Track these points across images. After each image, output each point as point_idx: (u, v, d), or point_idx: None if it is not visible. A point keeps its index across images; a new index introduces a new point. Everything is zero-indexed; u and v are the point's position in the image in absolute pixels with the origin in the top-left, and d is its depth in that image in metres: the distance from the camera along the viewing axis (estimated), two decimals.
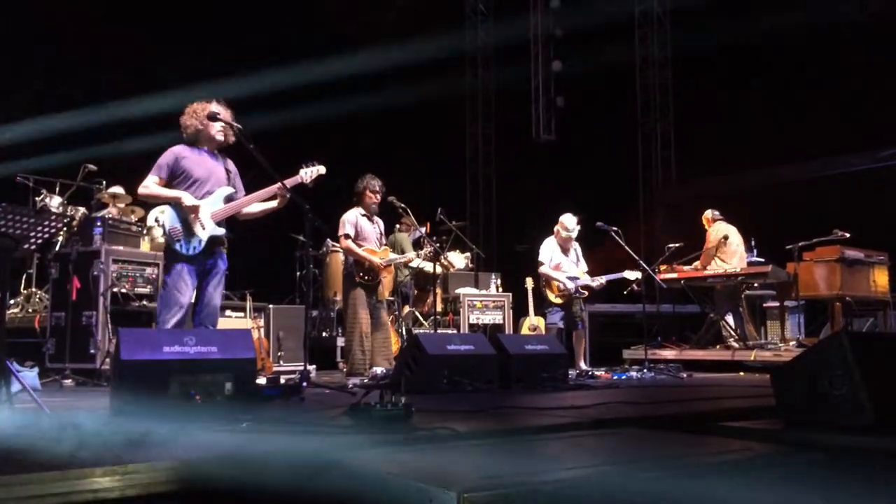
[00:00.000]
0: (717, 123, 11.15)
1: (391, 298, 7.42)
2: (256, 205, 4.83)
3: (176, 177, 4.65)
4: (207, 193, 4.68)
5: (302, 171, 4.91)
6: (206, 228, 4.60)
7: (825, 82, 10.01)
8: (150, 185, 4.62)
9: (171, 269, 4.57)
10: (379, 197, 6.39)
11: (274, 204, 4.83)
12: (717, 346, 8.45)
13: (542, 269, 7.75)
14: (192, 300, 4.68)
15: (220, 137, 4.76)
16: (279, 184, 4.73)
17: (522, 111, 13.21)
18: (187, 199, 4.55)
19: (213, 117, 4.69)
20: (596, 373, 7.06)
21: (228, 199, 4.75)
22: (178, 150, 4.70)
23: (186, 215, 4.57)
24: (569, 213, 7.88)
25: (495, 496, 1.78)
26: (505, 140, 13.84)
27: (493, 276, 9.39)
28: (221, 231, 4.70)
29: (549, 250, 7.81)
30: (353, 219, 6.31)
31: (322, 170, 5.01)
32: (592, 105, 12.22)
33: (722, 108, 11.10)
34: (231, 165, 4.89)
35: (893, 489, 2.18)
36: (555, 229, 7.90)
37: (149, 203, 6.24)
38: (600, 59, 12.21)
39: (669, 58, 12.96)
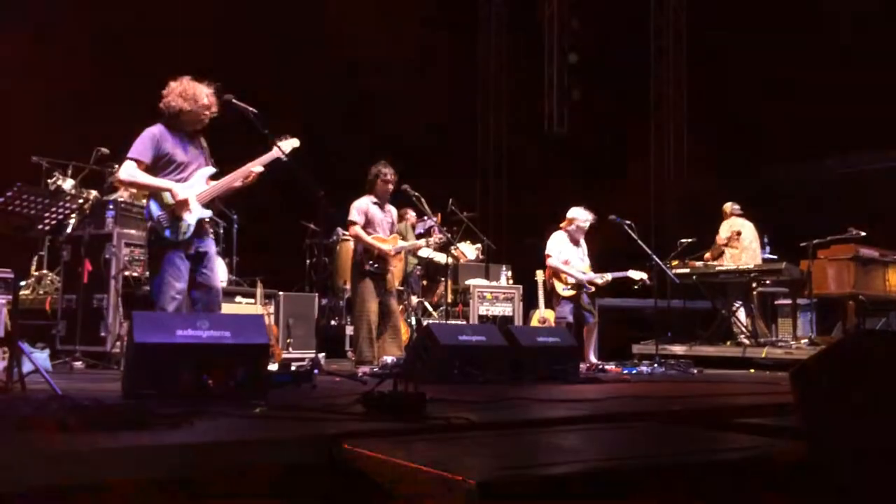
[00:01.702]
0: (733, 118, 11.07)
1: (400, 288, 7.41)
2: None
3: (158, 160, 4.44)
4: (190, 175, 4.53)
5: (277, 147, 4.74)
6: (194, 212, 4.45)
7: (841, 78, 9.91)
8: (133, 170, 4.38)
9: (163, 257, 4.39)
10: (391, 185, 6.34)
11: (238, 184, 4.67)
12: (728, 343, 8.41)
13: (552, 263, 7.66)
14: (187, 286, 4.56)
15: (206, 121, 4.58)
16: (256, 163, 4.64)
17: (535, 103, 13.14)
18: (179, 191, 4.39)
19: (227, 103, 4.63)
20: (606, 367, 7.03)
21: (210, 178, 4.63)
22: (158, 131, 4.48)
23: (174, 202, 4.41)
24: (579, 206, 7.85)
25: (514, 486, 1.76)
26: (517, 132, 13.77)
27: (504, 268, 9.36)
28: (208, 213, 4.56)
29: (558, 244, 7.73)
30: (363, 206, 6.27)
31: (296, 143, 4.86)
32: (605, 98, 12.14)
33: (735, 103, 11.02)
34: (204, 142, 4.71)
35: None
36: (566, 223, 7.84)
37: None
38: (614, 52, 12.15)
39: (684, 51, 12.88)
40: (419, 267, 8.68)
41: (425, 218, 8.47)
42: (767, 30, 10.57)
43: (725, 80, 11.35)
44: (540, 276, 8.50)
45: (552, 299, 7.86)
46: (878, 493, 2.13)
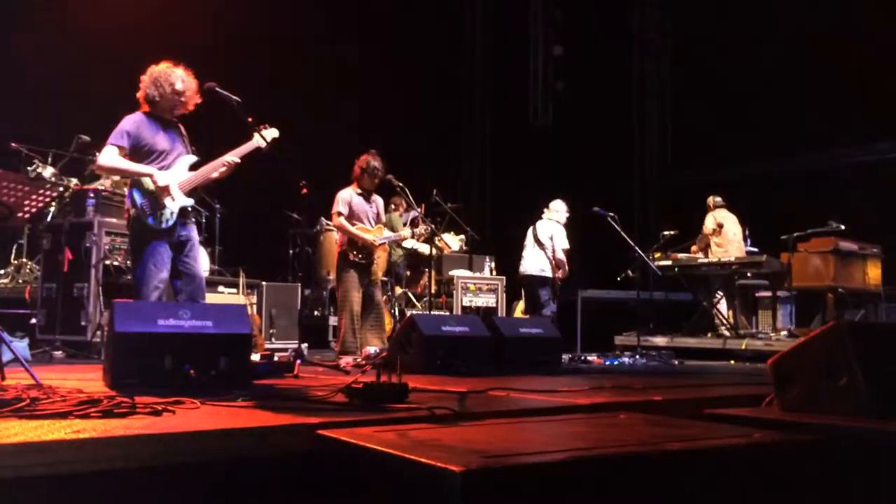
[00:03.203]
0: (714, 112, 11.13)
1: (385, 279, 7.40)
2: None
3: (139, 148, 4.42)
4: (171, 163, 4.51)
5: (257, 136, 4.71)
6: (176, 200, 4.44)
7: (823, 72, 9.99)
8: (113, 157, 4.36)
9: (145, 246, 4.38)
10: (378, 180, 6.32)
11: (218, 174, 4.65)
12: (709, 335, 8.48)
13: (563, 256, 7.82)
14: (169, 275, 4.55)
15: (187, 108, 4.56)
16: (236, 153, 4.62)
17: (520, 94, 13.12)
18: (159, 177, 4.38)
19: (210, 91, 4.59)
20: (588, 358, 7.07)
21: (192, 167, 4.61)
22: (138, 118, 4.45)
23: (154, 188, 4.39)
24: (558, 199, 8.03)
25: (497, 475, 1.77)
26: (502, 123, 13.76)
27: (487, 259, 9.38)
28: (190, 201, 4.55)
29: (565, 236, 7.91)
30: (347, 197, 6.25)
31: (276, 133, 4.84)
32: (589, 90, 12.17)
33: (719, 97, 11.08)
34: (183, 129, 4.69)
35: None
36: (558, 214, 7.95)
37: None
38: (598, 43, 12.16)
39: (669, 44, 12.93)
40: (403, 258, 8.68)
41: (409, 209, 8.47)
42: (750, 24, 10.62)
43: (708, 74, 11.41)
44: None
45: (549, 292, 7.91)
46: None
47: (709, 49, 11.22)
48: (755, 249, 8.84)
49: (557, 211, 7.98)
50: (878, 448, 2.30)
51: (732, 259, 8.29)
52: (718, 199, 8.97)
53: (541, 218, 8.11)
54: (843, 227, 7.97)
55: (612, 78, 12.68)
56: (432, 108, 11.90)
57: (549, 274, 7.84)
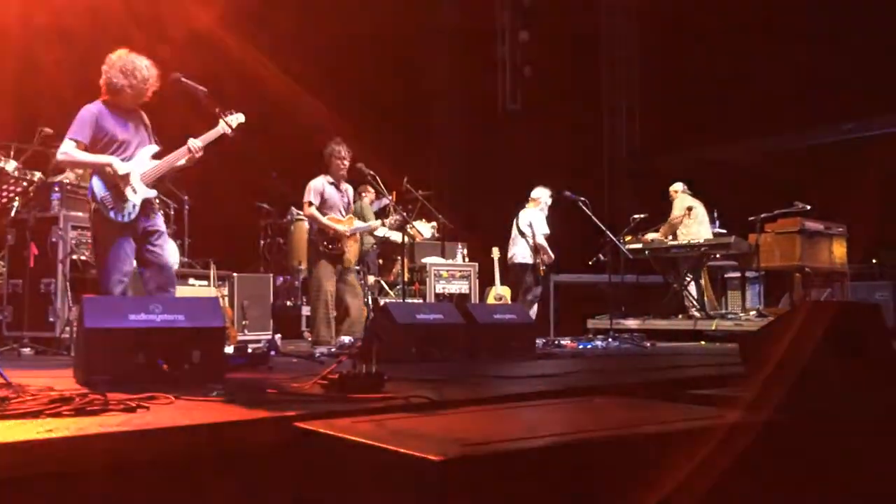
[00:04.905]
0: (683, 95, 11.21)
1: (357, 267, 7.37)
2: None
3: (98, 140, 4.34)
4: (133, 154, 4.44)
5: (221, 122, 4.63)
6: (138, 192, 4.38)
7: (790, 55, 10.10)
8: (71, 150, 4.28)
9: (108, 240, 4.32)
10: (346, 163, 6.28)
11: (183, 162, 4.57)
12: (680, 316, 8.57)
13: (542, 241, 7.94)
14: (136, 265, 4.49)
15: (147, 97, 4.46)
16: (201, 139, 4.56)
17: (488, 81, 13.11)
18: (119, 166, 4.30)
19: (176, 81, 4.52)
20: (562, 342, 7.12)
21: (154, 156, 4.54)
22: (96, 109, 4.37)
23: (116, 181, 4.32)
24: (540, 186, 8.12)
25: (477, 463, 1.78)
26: (470, 110, 13.73)
27: (460, 246, 9.38)
28: (153, 192, 4.49)
29: (543, 222, 8.02)
30: (318, 186, 6.22)
31: (242, 118, 4.75)
32: (558, 76, 12.19)
33: (688, 79, 11.15)
34: (146, 118, 4.60)
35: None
36: (534, 203, 8.05)
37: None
38: (567, 30, 12.17)
39: (637, 27, 12.98)
40: (375, 246, 8.65)
41: (380, 197, 8.43)
42: (718, 7, 10.69)
43: (677, 56, 11.47)
44: (496, 253, 8.57)
45: (532, 277, 8.01)
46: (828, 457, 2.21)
47: (678, 31, 11.27)
48: (723, 231, 8.95)
49: (538, 198, 8.14)
50: (848, 426, 2.35)
51: (702, 241, 8.39)
52: (680, 184, 9.03)
53: (524, 207, 8.22)
54: (808, 207, 8.09)
55: (581, 62, 12.70)
56: (401, 95, 11.84)
57: (531, 260, 7.98)
